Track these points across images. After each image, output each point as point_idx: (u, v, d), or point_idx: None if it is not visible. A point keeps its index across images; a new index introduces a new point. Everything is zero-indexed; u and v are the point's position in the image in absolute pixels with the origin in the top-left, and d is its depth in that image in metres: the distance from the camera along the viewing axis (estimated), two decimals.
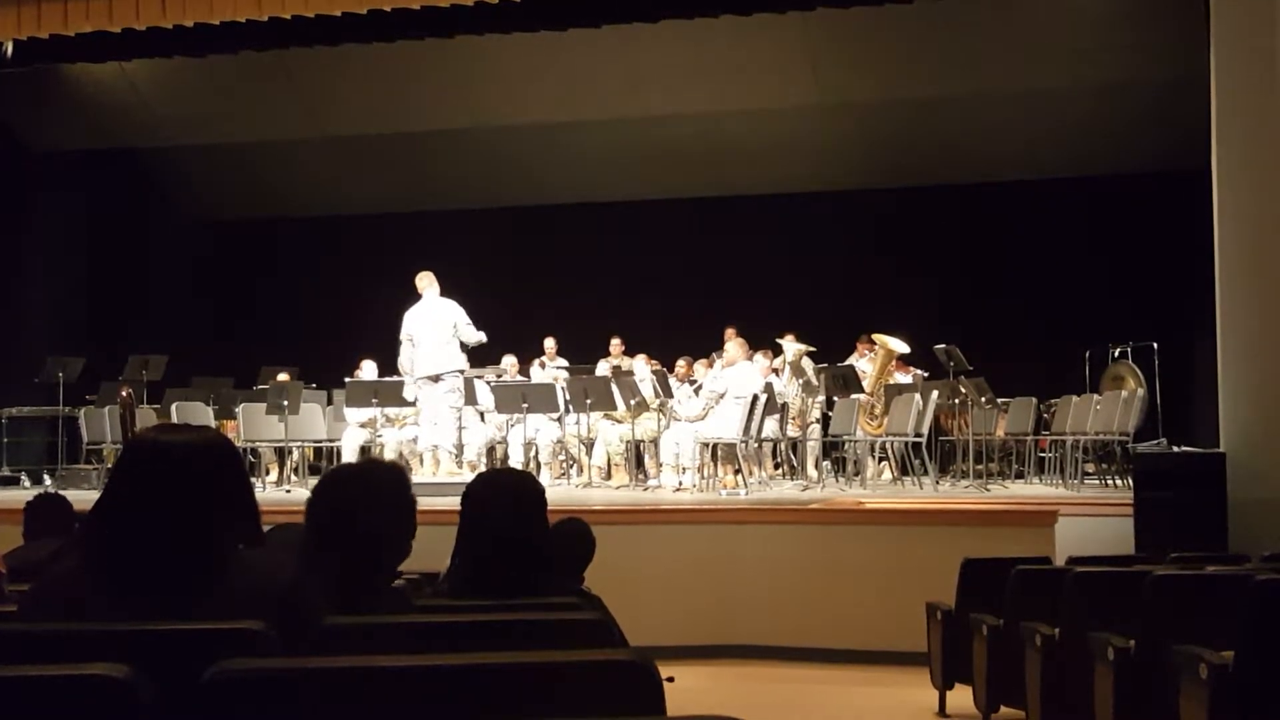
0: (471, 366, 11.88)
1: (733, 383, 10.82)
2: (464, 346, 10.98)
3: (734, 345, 11.34)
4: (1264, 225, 8.64)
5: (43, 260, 14.98)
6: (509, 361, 12.74)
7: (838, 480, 11.94)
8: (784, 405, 11.97)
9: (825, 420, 12.33)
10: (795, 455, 12.51)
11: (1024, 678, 5.60)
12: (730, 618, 8.29)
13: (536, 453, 11.74)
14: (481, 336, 10.95)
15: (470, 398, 11.48)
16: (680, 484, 10.84)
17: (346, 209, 16.44)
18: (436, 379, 10.79)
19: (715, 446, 10.74)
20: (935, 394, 11.35)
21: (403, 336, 10.88)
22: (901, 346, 12.42)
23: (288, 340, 15.34)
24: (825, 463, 12.39)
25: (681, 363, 12.30)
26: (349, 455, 11.64)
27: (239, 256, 17.11)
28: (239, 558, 2.47)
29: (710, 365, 11.95)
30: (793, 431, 12.36)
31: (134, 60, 13.17)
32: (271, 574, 2.52)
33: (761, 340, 12.42)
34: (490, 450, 11.76)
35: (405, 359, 10.91)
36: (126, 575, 2.38)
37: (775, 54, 13.46)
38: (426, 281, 10.96)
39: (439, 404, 10.77)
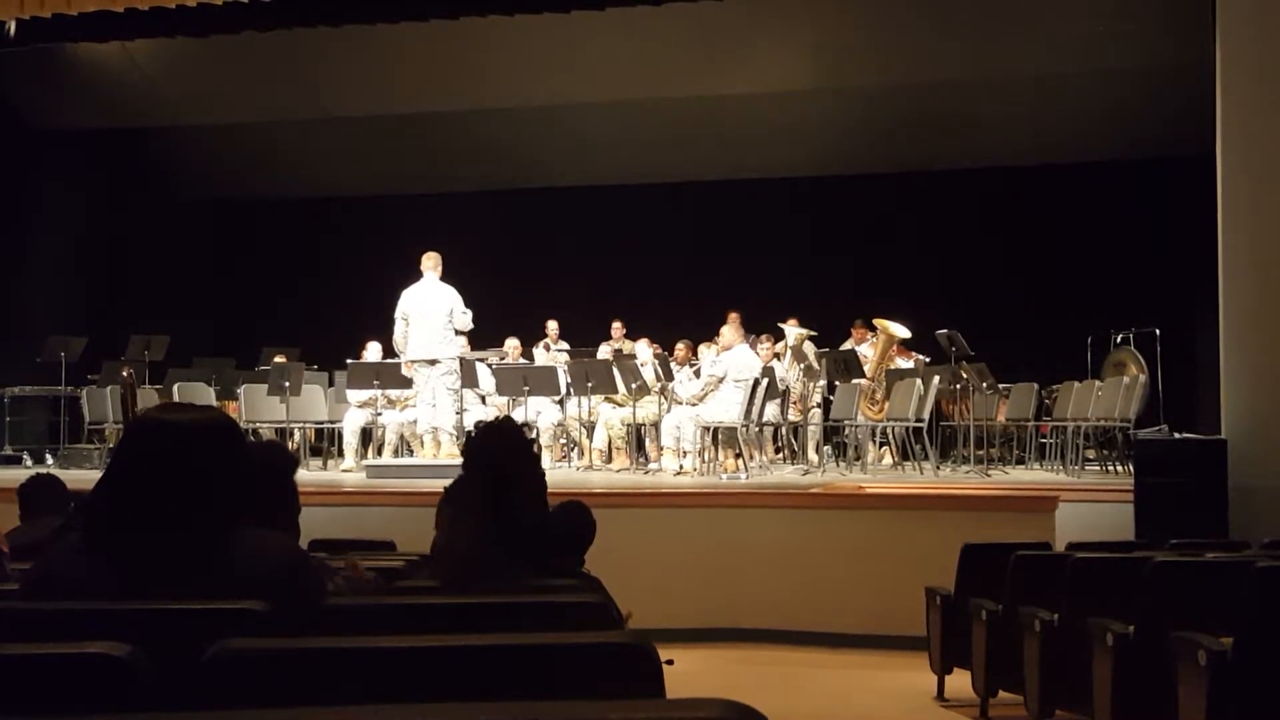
0: (473, 349, 11.88)
1: (732, 366, 10.81)
2: (457, 331, 10.97)
3: (729, 329, 11.32)
4: (1267, 211, 8.62)
5: (45, 239, 14.96)
6: (512, 344, 12.74)
7: (838, 465, 11.94)
8: (785, 389, 11.97)
9: (826, 405, 12.33)
10: (796, 439, 12.52)
11: (1023, 663, 5.61)
12: (730, 601, 8.30)
13: (537, 435, 11.74)
14: (469, 321, 10.91)
15: (471, 380, 11.47)
16: (681, 467, 10.85)
17: (349, 190, 16.43)
18: (432, 363, 10.77)
19: (716, 430, 10.74)
20: (936, 379, 11.34)
21: (398, 315, 10.84)
22: (903, 331, 12.41)
23: (288, 321, 15.35)
24: (826, 447, 12.39)
25: (681, 346, 12.29)
26: (350, 437, 11.66)
27: (240, 236, 17.10)
28: (241, 537, 2.47)
29: (712, 344, 11.93)
30: (794, 416, 12.36)
31: (137, 39, 13.15)
32: (274, 554, 2.52)
33: (764, 324, 12.41)
34: None
35: (399, 336, 10.90)
36: (128, 554, 2.38)
37: (779, 37, 13.43)
38: (431, 263, 10.88)
39: (436, 386, 10.76)
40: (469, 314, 10.81)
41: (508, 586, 2.91)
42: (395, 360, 11.35)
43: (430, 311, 10.70)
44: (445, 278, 10.90)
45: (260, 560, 2.46)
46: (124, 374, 11.81)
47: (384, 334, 12.10)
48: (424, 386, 10.84)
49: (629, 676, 1.98)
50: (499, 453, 3.22)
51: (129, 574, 2.36)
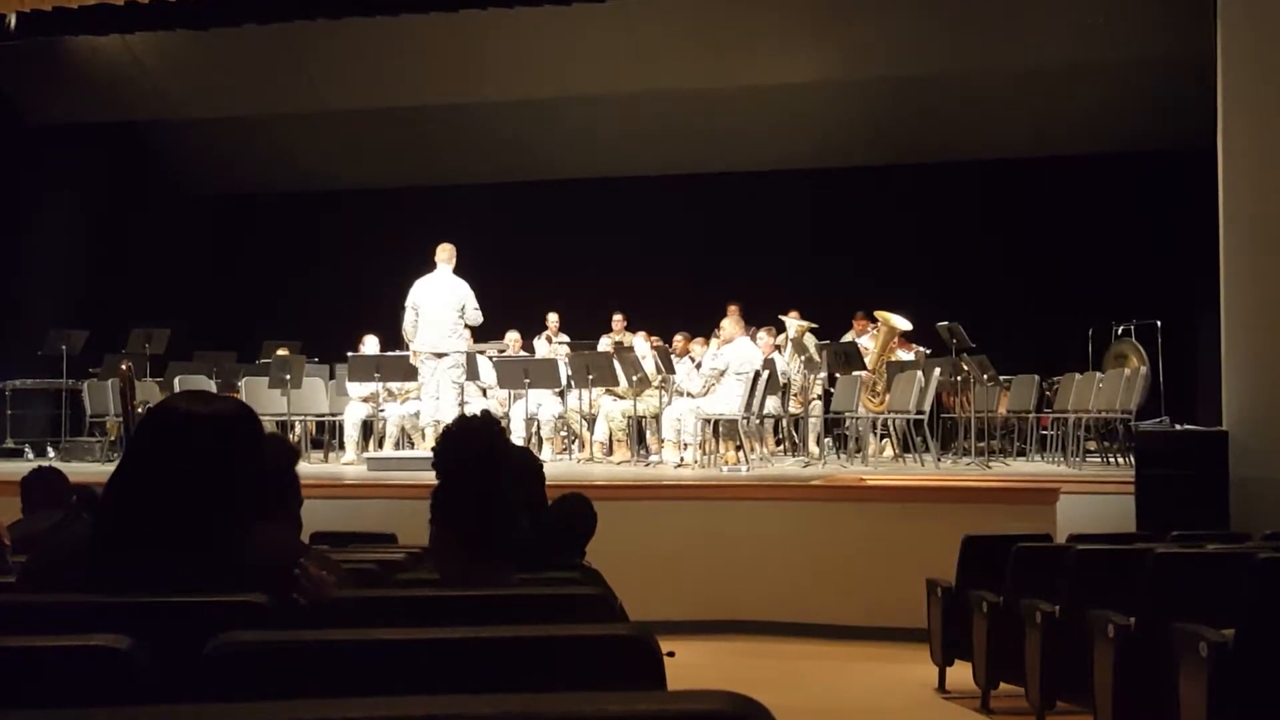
0: (475, 342, 11.86)
1: (733, 359, 10.81)
2: (466, 326, 10.97)
3: (729, 322, 11.32)
4: (1269, 203, 8.60)
5: (45, 233, 14.95)
6: (512, 337, 12.74)
7: (839, 457, 11.95)
8: (786, 382, 11.96)
9: (827, 397, 12.33)
10: (797, 432, 12.52)
11: (1024, 655, 5.61)
12: (731, 593, 8.31)
13: (538, 428, 11.75)
14: (480, 318, 10.91)
15: (472, 373, 11.47)
16: (682, 460, 10.84)
17: (349, 183, 16.41)
18: (440, 355, 10.76)
19: (717, 423, 10.74)
20: (937, 371, 11.33)
21: (408, 304, 10.83)
22: (904, 323, 12.40)
23: (289, 315, 15.34)
24: (827, 440, 12.39)
25: (679, 338, 12.27)
26: (350, 430, 11.66)
27: (241, 230, 17.09)
28: (247, 530, 2.46)
29: (706, 344, 11.93)
30: (794, 408, 12.37)
31: (137, 33, 13.13)
32: (275, 547, 2.52)
33: (764, 317, 12.41)
34: None
35: (409, 325, 10.88)
36: (137, 547, 2.37)
37: (780, 31, 13.41)
38: (445, 255, 10.84)
39: (441, 378, 10.75)
40: (478, 311, 10.80)
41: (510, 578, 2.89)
42: (395, 353, 11.34)
43: (440, 305, 10.69)
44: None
45: (262, 554, 2.45)
46: (121, 367, 11.80)
47: (382, 327, 12.11)
48: (429, 379, 10.83)
49: (630, 669, 1.98)
50: (467, 458, 3.12)
51: (134, 567, 2.35)
